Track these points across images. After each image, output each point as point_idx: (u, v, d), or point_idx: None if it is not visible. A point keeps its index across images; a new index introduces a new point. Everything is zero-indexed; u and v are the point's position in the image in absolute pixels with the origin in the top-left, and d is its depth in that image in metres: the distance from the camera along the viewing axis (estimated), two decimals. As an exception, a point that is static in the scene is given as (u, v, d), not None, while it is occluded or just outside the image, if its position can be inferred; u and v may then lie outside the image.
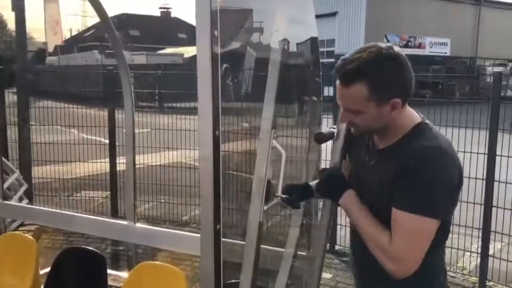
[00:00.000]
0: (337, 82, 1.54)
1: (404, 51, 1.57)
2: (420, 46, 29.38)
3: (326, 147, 1.93)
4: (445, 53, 30.04)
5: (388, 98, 1.51)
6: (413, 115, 1.62)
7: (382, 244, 1.51)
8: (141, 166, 5.71)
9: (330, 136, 1.80)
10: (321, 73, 2.47)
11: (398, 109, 1.53)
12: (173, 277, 2.55)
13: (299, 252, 2.21)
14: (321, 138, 1.81)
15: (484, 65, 27.75)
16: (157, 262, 2.81)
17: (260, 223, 1.76)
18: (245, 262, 1.83)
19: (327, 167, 1.79)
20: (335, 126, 1.81)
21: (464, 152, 4.10)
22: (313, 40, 2.48)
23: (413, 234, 1.47)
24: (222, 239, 1.55)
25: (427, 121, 1.63)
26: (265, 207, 1.78)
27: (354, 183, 1.68)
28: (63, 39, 31.39)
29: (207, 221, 1.48)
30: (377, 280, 1.63)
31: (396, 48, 1.54)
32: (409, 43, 28.75)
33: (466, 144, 4.15)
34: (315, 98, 2.53)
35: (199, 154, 1.41)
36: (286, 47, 2.18)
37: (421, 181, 1.46)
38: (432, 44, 29.77)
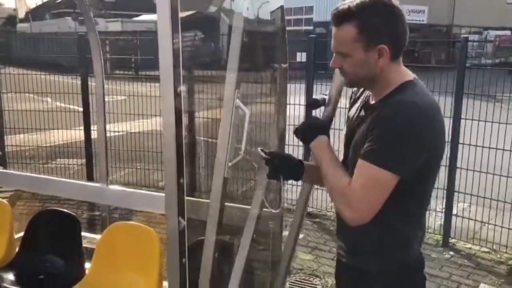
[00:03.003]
0: (332, 24, 1.58)
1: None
2: (398, 13, 29.31)
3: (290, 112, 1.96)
4: (422, 20, 30.08)
5: (376, 43, 1.51)
6: (405, 74, 1.60)
7: (342, 186, 1.54)
8: (118, 134, 5.72)
9: (323, 102, 1.86)
10: (287, 39, 2.51)
11: (385, 58, 1.53)
12: (145, 236, 2.63)
13: (265, 209, 2.25)
14: (315, 104, 1.87)
15: (460, 33, 27.87)
16: (129, 222, 2.88)
17: (225, 179, 1.82)
18: (209, 219, 1.89)
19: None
20: (327, 93, 1.87)
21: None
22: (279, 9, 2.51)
23: (369, 182, 1.49)
24: (187, 198, 1.60)
25: (418, 81, 1.60)
26: (230, 164, 1.84)
27: (348, 142, 1.69)
28: (27, 5, 30.36)
29: (170, 177, 1.52)
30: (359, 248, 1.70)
31: (395, 1, 1.55)
32: (387, 11, 28.62)
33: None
34: (284, 65, 2.57)
35: (161, 108, 1.42)
36: (250, 14, 2.20)
37: (384, 133, 1.47)
38: (409, 12, 29.71)
